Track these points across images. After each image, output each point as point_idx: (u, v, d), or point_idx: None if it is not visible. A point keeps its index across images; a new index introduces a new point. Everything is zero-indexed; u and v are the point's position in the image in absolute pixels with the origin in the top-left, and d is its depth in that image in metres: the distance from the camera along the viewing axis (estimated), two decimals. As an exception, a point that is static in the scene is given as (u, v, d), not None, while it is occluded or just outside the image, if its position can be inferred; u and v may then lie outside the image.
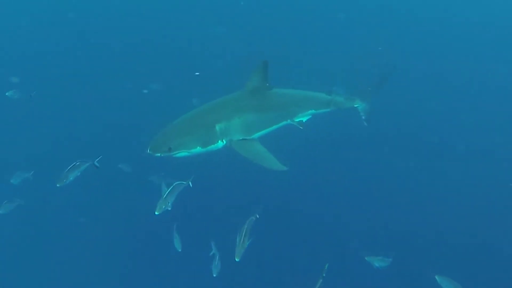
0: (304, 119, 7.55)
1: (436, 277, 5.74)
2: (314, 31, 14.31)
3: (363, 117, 8.20)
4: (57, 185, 5.54)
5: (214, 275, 5.84)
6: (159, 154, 6.19)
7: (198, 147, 6.35)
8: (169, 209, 5.51)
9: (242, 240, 4.94)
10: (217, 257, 5.91)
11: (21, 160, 8.38)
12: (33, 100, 8.69)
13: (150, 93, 10.13)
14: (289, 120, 7.31)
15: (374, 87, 8.20)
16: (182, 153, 6.32)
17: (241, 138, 6.61)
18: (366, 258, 6.25)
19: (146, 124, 7.64)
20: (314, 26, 14.57)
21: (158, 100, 9.85)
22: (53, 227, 7.66)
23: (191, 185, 5.89)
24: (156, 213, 5.39)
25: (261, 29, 13.92)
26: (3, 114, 9.84)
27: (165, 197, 5.48)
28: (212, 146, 6.47)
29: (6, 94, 9.43)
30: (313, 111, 7.63)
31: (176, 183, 5.74)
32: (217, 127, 6.45)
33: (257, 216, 5.12)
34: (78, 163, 5.71)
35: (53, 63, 11.95)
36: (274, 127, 7.16)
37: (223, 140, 6.52)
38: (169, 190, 5.59)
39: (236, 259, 4.91)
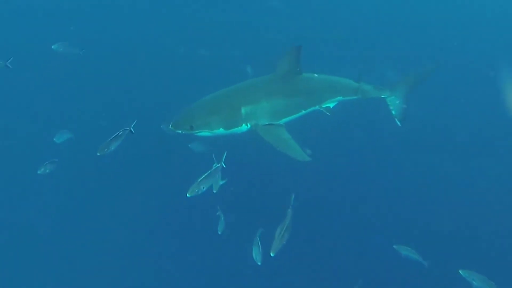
0: (332, 105, 7.51)
1: (460, 271, 5.64)
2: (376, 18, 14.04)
3: (394, 113, 7.72)
4: (98, 154, 5.50)
5: (259, 263, 5.72)
6: (180, 131, 6.22)
7: (221, 129, 6.34)
8: (214, 192, 5.45)
9: (282, 235, 4.74)
10: (259, 243, 5.77)
11: (66, 119, 8.64)
12: (82, 57, 8.73)
13: (204, 60, 10.32)
14: (317, 106, 7.25)
15: (410, 82, 7.73)
16: (204, 133, 6.34)
17: (267, 123, 6.54)
18: (394, 246, 6.33)
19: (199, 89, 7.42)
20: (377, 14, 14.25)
21: (214, 66, 10.00)
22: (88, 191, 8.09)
23: (224, 166, 5.76)
24: (188, 195, 5.27)
25: (317, 7, 13.63)
26: (47, 68, 9.91)
27: (200, 180, 5.34)
28: (236, 128, 6.45)
29: (52, 47, 9.22)
30: (341, 97, 7.53)
31: (215, 166, 5.61)
32: (243, 110, 6.41)
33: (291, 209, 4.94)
34: (120, 133, 5.61)
35: (105, 23, 12.09)
36: (302, 113, 7.08)
37: (248, 124, 6.47)
38: (206, 174, 5.42)
39: (272, 254, 4.74)
